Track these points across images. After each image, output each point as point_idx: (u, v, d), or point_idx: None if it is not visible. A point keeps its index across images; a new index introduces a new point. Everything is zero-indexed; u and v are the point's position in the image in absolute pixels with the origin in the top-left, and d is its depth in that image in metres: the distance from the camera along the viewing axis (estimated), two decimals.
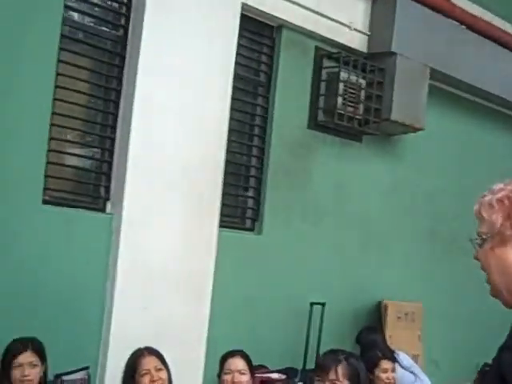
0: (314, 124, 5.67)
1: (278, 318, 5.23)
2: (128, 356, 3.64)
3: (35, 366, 3.47)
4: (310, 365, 5.20)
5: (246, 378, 3.76)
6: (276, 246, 5.31)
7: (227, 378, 3.73)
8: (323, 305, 5.34)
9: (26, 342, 3.51)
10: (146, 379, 3.44)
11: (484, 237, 1.78)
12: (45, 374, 3.60)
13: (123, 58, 4.58)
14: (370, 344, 4.78)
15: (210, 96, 4.84)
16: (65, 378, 3.99)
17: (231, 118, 5.08)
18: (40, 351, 3.55)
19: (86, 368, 4.11)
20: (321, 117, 5.68)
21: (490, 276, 1.77)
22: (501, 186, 1.80)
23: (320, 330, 5.32)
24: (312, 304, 5.33)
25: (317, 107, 5.66)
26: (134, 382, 3.48)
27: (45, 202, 4.18)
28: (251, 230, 5.34)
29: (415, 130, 6.06)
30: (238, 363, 3.79)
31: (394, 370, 4.35)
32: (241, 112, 5.39)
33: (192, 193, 4.72)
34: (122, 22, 4.60)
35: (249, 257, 5.17)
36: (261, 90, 5.51)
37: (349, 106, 5.64)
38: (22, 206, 4.05)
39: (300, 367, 5.22)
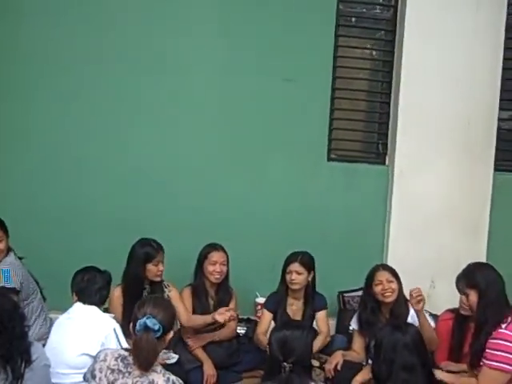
0: None
1: None
2: None
3: (301, 273, 4.51)
4: None
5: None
6: None
7: None
8: None
9: (296, 255, 4.54)
10: (379, 288, 4.27)
11: None
12: (313, 280, 4.59)
13: (394, 34, 5.41)
14: None
15: (478, 49, 5.28)
16: (345, 294, 5.09)
17: (508, 68, 5.46)
18: (306, 263, 4.52)
19: None
20: None
21: None
22: None
23: None
24: None
25: None
26: (371, 290, 4.31)
27: (329, 159, 5.34)
28: None
29: None
30: None
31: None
32: None
33: (461, 144, 5.28)
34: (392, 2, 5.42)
35: None
36: None
37: None
38: (311, 164, 5.27)
39: None
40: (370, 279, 4.33)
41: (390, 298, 4.27)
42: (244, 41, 5.12)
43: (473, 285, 3.52)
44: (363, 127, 5.59)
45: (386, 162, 5.40)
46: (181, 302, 4.35)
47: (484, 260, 5.18)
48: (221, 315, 4.13)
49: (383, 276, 4.30)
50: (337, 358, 4.29)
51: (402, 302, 4.29)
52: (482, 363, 3.36)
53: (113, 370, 2.92)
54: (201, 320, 4.33)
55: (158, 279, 4.29)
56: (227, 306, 4.49)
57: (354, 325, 4.43)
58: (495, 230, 5.31)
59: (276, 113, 5.24)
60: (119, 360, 2.94)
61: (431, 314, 4.63)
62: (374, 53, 5.56)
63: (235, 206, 5.19)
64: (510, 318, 3.38)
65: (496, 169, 5.36)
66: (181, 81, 5.08)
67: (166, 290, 4.31)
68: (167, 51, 5.06)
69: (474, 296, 3.50)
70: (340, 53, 5.39)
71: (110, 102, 5.06)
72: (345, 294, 5.11)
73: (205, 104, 5.13)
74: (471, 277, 3.54)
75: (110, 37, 5.03)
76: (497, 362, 3.29)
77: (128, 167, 5.09)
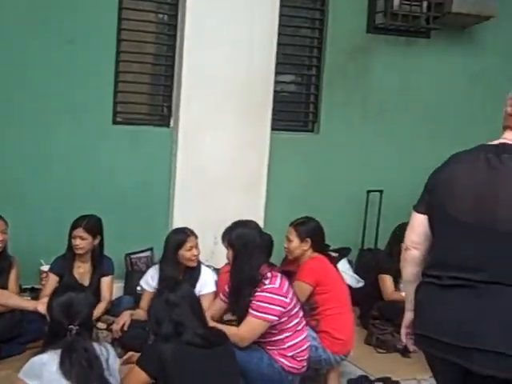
0: (373, 27, 6.08)
1: (336, 206, 5.88)
2: None
3: (85, 239, 4.57)
4: (369, 245, 5.97)
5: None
6: (334, 144, 5.96)
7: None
8: (381, 192, 5.93)
9: (82, 220, 4.54)
10: (190, 253, 4.45)
11: None
12: (100, 245, 4.67)
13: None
14: None
15: (256, 15, 5.51)
16: (132, 256, 5.26)
17: (285, 34, 5.79)
18: (91, 228, 4.57)
19: (150, 249, 5.32)
20: (379, 20, 6.04)
21: None
22: None
23: (379, 216, 5.96)
24: (369, 192, 5.95)
25: (374, 11, 6.05)
26: (177, 254, 4.43)
27: (115, 122, 5.40)
28: (312, 131, 6.06)
29: (486, 18, 6.12)
30: None
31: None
32: (298, 27, 6.05)
33: (242, 105, 5.55)
34: None
35: (305, 155, 5.91)
36: (319, 4, 6.06)
37: (406, 4, 5.96)
38: (96, 128, 5.30)
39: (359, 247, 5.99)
40: (180, 244, 4.46)
41: (196, 262, 4.52)
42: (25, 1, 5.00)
43: (230, 244, 3.74)
44: (149, 90, 5.68)
45: (171, 125, 5.55)
46: None
47: (262, 215, 5.58)
48: (44, 305, 3.89)
49: (193, 242, 4.50)
50: (124, 318, 4.45)
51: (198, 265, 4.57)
52: (248, 312, 3.56)
53: None
54: (16, 301, 4.09)
55: None
56: (8, 274, 4.48)
57: (144, 285, 4.59)
58: (273, 187, 5.70)
59: (61, 75, 5.17)
60: None
61: (215, 269, 4.95)
62: (161, 16, 5.64)
63: (17, 170, 5.11)
64: (269, 274, 3.62)
65: (273, 129, 5.71)
66: None
67: None
68: None
69: (230, 254, 3.73)
70: (125, 15, 5.39)
71: None
72: (132, 256, 5.27)
73: None
74: (229, 236, 3.75)
75: None
76: (261, 312, 3.53)
77: None
